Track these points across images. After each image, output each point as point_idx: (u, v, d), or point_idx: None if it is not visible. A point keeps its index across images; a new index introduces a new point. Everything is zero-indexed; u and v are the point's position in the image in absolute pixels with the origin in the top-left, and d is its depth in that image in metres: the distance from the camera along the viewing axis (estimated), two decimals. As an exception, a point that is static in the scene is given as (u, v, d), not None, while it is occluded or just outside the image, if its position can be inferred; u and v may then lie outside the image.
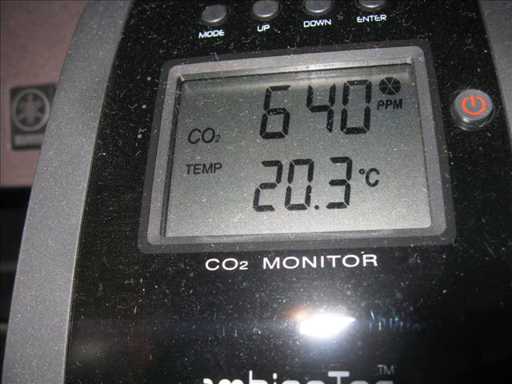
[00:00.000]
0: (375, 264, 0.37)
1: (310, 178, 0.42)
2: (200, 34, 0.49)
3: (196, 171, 0.44)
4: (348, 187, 0.41)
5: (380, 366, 0.35)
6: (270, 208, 0.42)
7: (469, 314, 0.35)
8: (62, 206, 0.43)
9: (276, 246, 0.39)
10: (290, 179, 0.42)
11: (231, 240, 0.40)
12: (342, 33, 0.46)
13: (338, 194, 0.41)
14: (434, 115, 0.41)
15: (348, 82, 0.45)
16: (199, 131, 0.46)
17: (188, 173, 0.44)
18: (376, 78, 0.45)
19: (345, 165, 0.42)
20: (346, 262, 0.38)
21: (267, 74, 0.46)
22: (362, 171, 0.42)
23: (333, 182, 0.42)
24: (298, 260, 0.38)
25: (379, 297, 0.36)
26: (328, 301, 0.37)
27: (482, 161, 0.39)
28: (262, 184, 0.43)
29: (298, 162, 0.43)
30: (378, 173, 0.41)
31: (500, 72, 0.42)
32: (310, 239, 0.39)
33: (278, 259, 0.39)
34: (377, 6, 0.46)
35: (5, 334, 0.40)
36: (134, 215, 0.42)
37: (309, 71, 0.46)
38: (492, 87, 0.41)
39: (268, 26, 0.48)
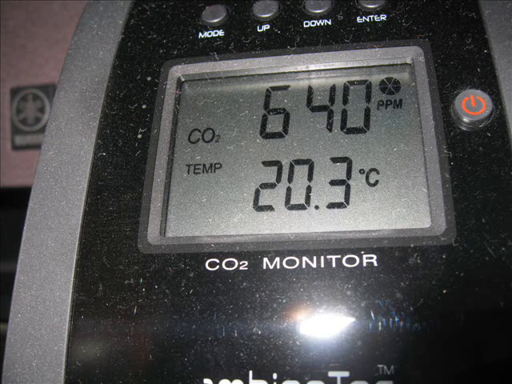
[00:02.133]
0: (375, 264, 0.37)
1: (309, 178, 0.42)
2: (200, 34, 0.49)
3: (196, 171, 0.44)
4: (348, 187, 0.41)
5: (380, 366, 0.35)
6: (270, 208, 0.42)
7: (469, 313, 0.35)
8: (62, 206, 0.43)
9: (276, 245, 0.39)
10: (290, 179, 0.42)
11: (231, 240, 0.40)
12: (342, 33, 0.46)
13: (338, 194, 0.41)
14: (434, 115, 0.41)
15: (348, 82, 0.45)
16: (199, 131, 0.46)
17: (188, 173, 0.44)
18: (376, 78, 0.45)
19: (345, 165, 0.42)
20: (346, 262, 0.38)
21: (267, 74, 0.46)
22: (362, 171, 0.42)
23: (333, 182, 0.42)
24: (297, 260, 0.38)
25: (379, 297, 0.36)
26: (328, 301, 0.37)
27: (481, 161, 0.39)
28: (262, 184, 0.43)
29: (298, 161, 0.43)
30: (378, 173, 0.41)
31: (500, 72, 0.42)
32: (310, 239, 0.39)
33: (277, 259, 0.39)
34: (377, 5, 0.46)
35: (5, 334, 0.40)
36: (134, 215, 0.42)
37: (309, 71, 0.46)
38: (492, 87, 0.41)
39: (268, 26, 0.48)
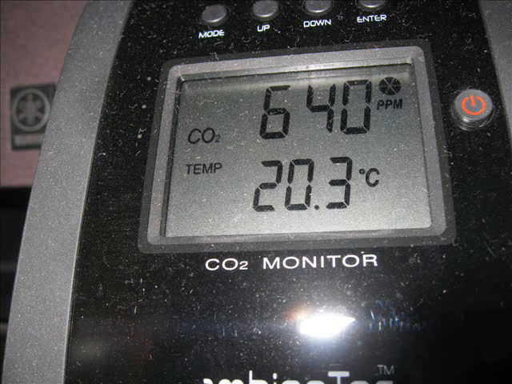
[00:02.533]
0: (375, 264, 0.37)
1: (310, 178, 0.42)
2: (200, 34, 0.49)
3: (196, 171, 0.44)
4: (348, 187, 0.41)
5: (380, 366, 0.35)
6: (270, 208, 0.42)
7: (469, 313, 0.35)
8: (62, 206, 0.43)
9: (276, 245, 0.39)
10: (290, 179, 0.42)
11: (231, 240, 0.40)
12: (342, 33, 0.46)
13: (337, 193, 0.41)
14: (434, 115, 0.41)
15: (348, 81, 0.45)
16: (199, 131, 0.46)
17: (188, 173, 0.44)
18: (376, 78, 0.45)
19: (345, 165, 0.42)
20: (346, 262, 0.38)
21: (267, 74, 0.46)
22: (362, 171, 0.42)
23: (333, 182, 0.42)
24: (297, 260, 0.38)
25: (379, 297, 0.36)
26: (328, 301, 0.37)
27: (482, 161, 0.39)
28: (262, 184, 0.43)
29: (298, 162, 0.43)
30: (378, 173, 0.41)
31: (500, 72, 0.42)
32: (310, 239, 0.39)
33: (277, 259, 0.39)
34: (377, 5, 0.46)
35: (5, 334, 0.40)
36: (134, 215, 0.42)
37: (309, 71, 0.46)
38: (492, 87, 0.41)
39: (268, 26, 0.48)
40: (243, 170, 0.43)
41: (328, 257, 0.38)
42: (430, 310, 0.36)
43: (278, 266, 0.38)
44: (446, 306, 0.36)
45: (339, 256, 0.38)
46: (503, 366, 0.35)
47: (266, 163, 0.43)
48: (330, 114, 0.44)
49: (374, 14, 0.46)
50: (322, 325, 0.37)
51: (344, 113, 0.44)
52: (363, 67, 0.45)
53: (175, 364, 0.37)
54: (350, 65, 0.45)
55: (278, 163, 0.43)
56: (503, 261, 0.36)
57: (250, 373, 0.36)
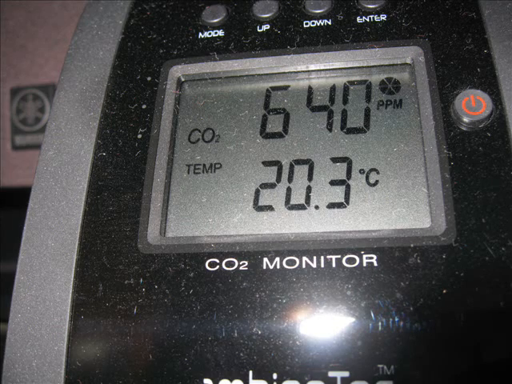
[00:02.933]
0: (375, 264, 0.37)
1: (310, 178, 0.42)
2: (200, 34, 0.49)
3: (196, 171, 0.44)
4: (348, 187, 0.41)
5: (380, 366, 0.35)
6: (270, 208, 0.42)
7: (469, 313, 0.35)
8: (62, 206, 0.43)
9: (276, 245, 0.39)
10: (290, 179, 0.42)
11: (231, 240, 0.40)
12: (342, 33, 0.46)
13: (337, 193, 0.41)
14: (434, 115, 0.41)
15: (348, 82, 0.45)
16: (199, 131, 0.46)
17: (188, 173, 0.44)
18: (376, 78, 0.45)
19: (345, 165, 0.42)
20: (346, 262, 0.38)
21: (267, 74, 0.46)
22: (362, 171, 0.42)
23: (333, 182, 0.42)
24: (297, 260, 0.38)
25: (379, 297, 0.36)
26: (328, 301, 0.37)
27: (482, 161, 0.39)
28: (262, 184, 0.43)
29: (298, 161, 0.43)
30: (378, 173, 0.41)
31: (500, 72, 0.42)
32: (310, 239, 0.39)
33: (277, 259, 0.39)
34: (377, 5, 0.47)
35: (5, 334, 0.40)
36: (134, 215, 0.42)
37: (309, 71, 0.46)
38: (492, 87, 0.41)
39: (268, 26, 0.48)
40: (243, 169, 0.43)
41: (328, 257, 0.38)
42: (430, 309, 0.36)
43: (278, 266, 0.38)
44: (446, 306, 0.36)
45: (339, 256, 0.38)
46: (503, 365, 0.35)
47: (266, 163, 0.43)
48: (330, 114, 0.44)
49: (374, 14, 0.46)
50: (322, 325, 0.37)
51: (344, 113, 0.44)
52: (363, 67, 0.45)
53: (175, 364, 0.37)
54: (350, 65, 0.45)
55: (277, 163, 0.43)
56: (503, 261, 0.36)
57: (250, 373, 0.36)
